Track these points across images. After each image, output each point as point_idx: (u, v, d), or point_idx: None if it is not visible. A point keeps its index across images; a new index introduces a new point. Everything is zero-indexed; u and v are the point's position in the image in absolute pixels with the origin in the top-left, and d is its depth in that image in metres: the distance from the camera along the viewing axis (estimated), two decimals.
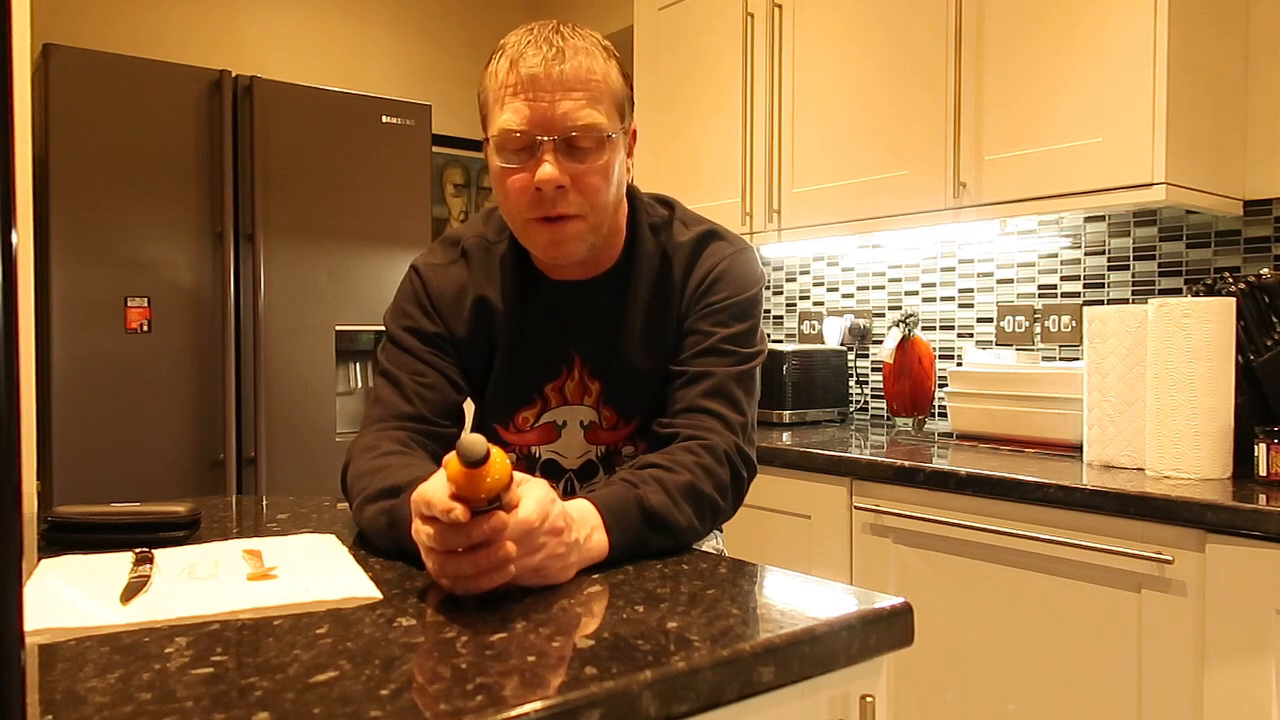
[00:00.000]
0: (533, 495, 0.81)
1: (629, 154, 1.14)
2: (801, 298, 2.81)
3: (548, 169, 1.02)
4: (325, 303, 2.70)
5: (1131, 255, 2.10)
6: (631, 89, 1.13)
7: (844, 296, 2.70)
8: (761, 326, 1.18)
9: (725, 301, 1.14)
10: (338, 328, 2.71)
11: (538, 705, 0.56)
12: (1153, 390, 1.55)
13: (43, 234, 2.33)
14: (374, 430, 1.10)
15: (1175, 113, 1.73)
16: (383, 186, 2.77)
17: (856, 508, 1.84)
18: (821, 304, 2.76)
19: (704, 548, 1.31)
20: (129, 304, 2.42)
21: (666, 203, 1.23)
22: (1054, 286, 2.23)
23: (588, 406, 1.18)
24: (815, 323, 2.77)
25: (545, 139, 1.03)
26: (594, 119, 1.03)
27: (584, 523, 0.89)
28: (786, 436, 2.15)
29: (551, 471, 1.22)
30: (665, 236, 1.18)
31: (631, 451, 1.19)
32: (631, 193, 1.20)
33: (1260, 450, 1.47)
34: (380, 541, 0.96)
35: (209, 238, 2.54)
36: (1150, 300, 1.57)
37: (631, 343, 1.14)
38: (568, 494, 1.18)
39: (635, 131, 1.16)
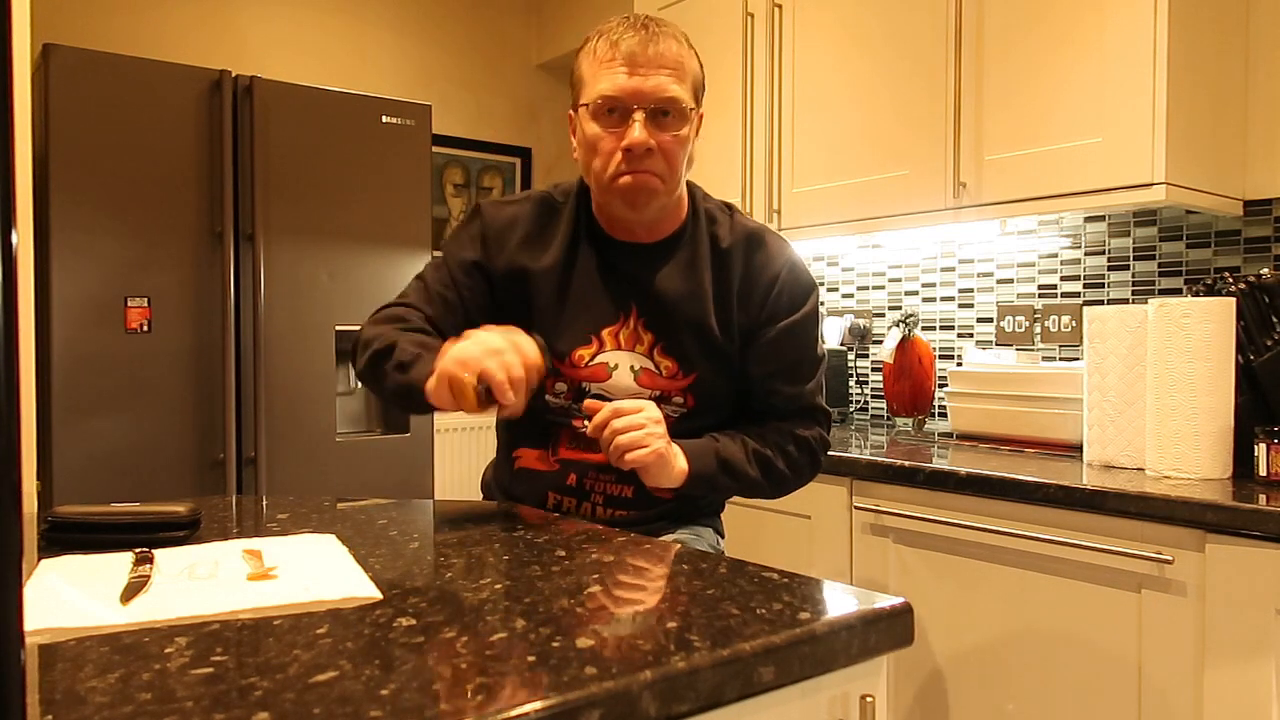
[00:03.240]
0: None
1: (696, 133, 1.28)
2: None
3: (639, 133, 1.19)
4: (325, 303, 2.70)
5: (1131, 255, 2.10)
6: (702, 75, 1.28)
7: (844, 296, 2.70)
8: (821, 329, 1.42)
9: (796, 313, 1.30)
10: (338, 328, 2.71)
11: (538, 705, 0.56)
12: (1153, 390, 1.55)
13: (43, 234, 2.33)
14: (398, 307, 1.29)
15: (1175, 113, 1.73)
16: (383, 186, 2.77)
17: (856, 508, 1.84)
18: (822, 304, 2.76)
19: (700, 543, 1.31)
20: (129, 304, 2.42)
21: (729, 205, 1.39)
22: (1054, 286, 2.23)
23: (640, 354, 1.29)
24: None
25: (638, 107, 1.19)
26: (679, 93, 1.21)
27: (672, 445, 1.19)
28: None
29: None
30: (725, 218, 1.33)
31: (680, 402, 1.30)
32: (690, 181, 1.36)
33: (1260, 450, 1.47)
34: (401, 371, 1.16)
35: (209, 238, 2.54)
36: (1150, 300, 1.57)
37: (696, 306, 1.27)
38: None
39: (702, 114, 1.29)
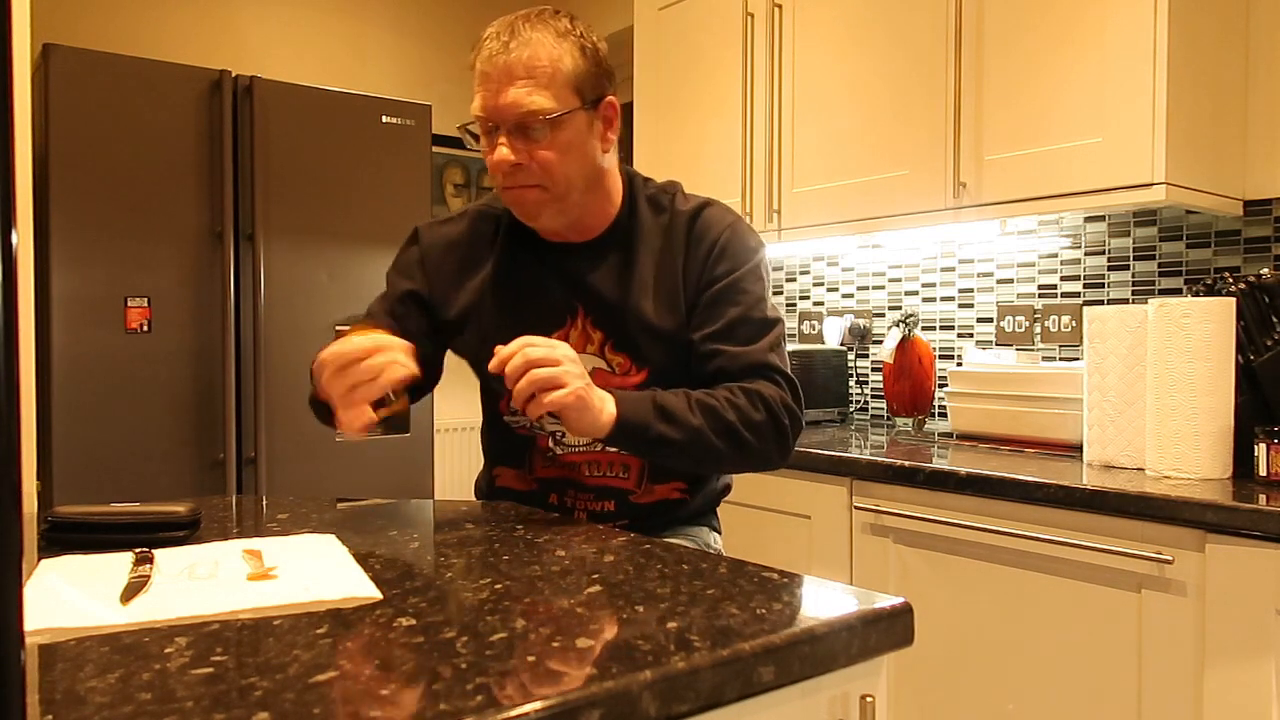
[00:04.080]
0: None
1: (608, 125, 1.23)
2: (801, 298, 2.81)
3: (501, 151, 1.16)
4: (325, 303, 2.70)
5: (1131, 255, 2.10)
6: (597, 63, 1.20)
7: (844, 296, 2.70)
8: (769, 292, 1.28)
9: (736, 268, 1.24)
10: (337, 328, 2.70)
11: (538, 705, 0.56)
12: (1153, 390, 1.55)
13: (43, 234, 2.33)
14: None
15: (1175, 113, 1.73)
16: (383, 186, 2.77)
17: (856, 508, 1.84)
18: (821, 304, 2.76)
19: (696, 545, 1.31)
20: (129, 304, 2.42)
21: (672, 184, 1.34)
22: (1054, 286, 2.23)
23: (591, 354, 1.26)
24: (815, 323, 2.77)
25: (499, 125, 1.16)
26: (540, 104, 1.14)
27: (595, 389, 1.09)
28: None
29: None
30: (666, 204, 1.29)
31: None
32: (629, 169, 1.31)
33: (1260, 450, 1.47)
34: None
35: (209, 238, 2.54)
36: (1150, 300, 1.57)
37: (639, 297, 1.24)
38: (593, 441, 1.27)
39: (613, 103, 1.23)
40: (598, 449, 1.27)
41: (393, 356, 1.04)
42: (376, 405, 1.04)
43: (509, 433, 1.31)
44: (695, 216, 1.27)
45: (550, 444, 1.29)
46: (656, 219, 1.28)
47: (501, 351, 1.05)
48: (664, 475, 1.29)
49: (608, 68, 1.22)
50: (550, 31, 1.16)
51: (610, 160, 1.26)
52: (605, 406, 1.09)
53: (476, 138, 1.22)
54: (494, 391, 1.32)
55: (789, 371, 1.23)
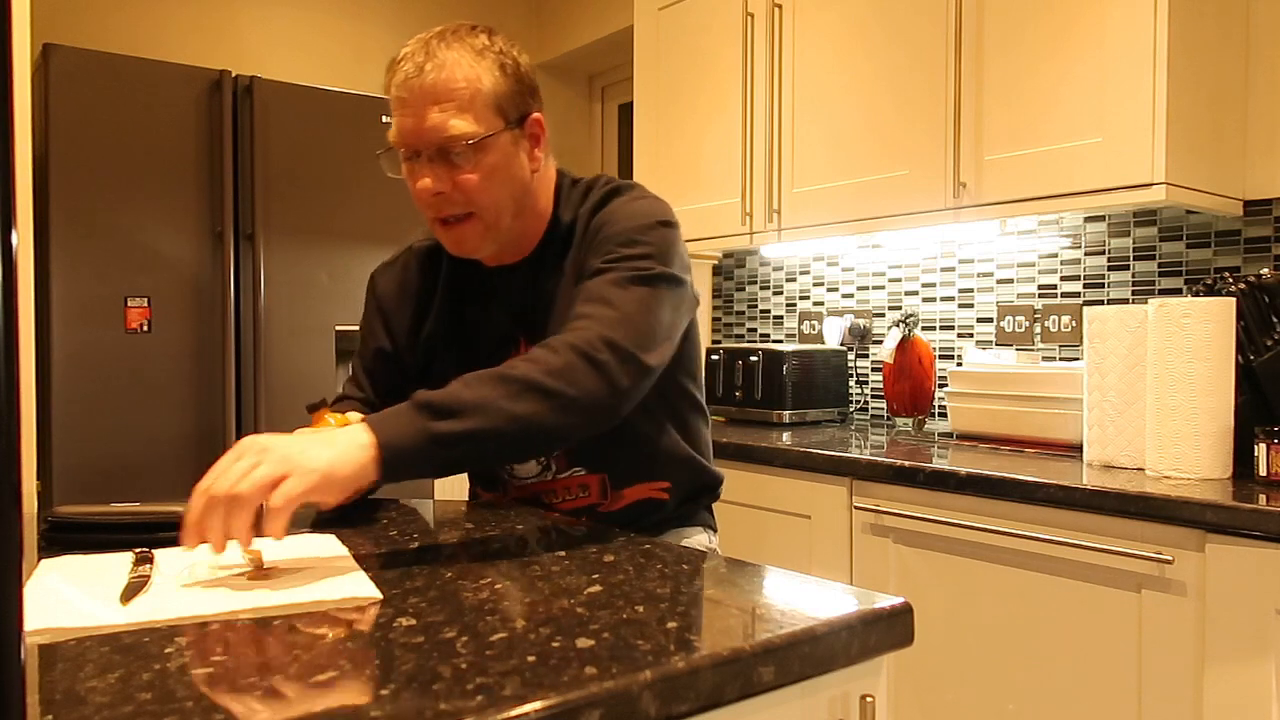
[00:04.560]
0: None
1: (535, 143, 1.18)
2: (801, 298, 2.81)
3: (424, 180, 1.11)
4: (325, 303, 2.70)
5: (1131, 255, 2.10)
6: (518, 79, 1.14)
7: (844, 296, 2.70)
8: (668, 255, 1.12)
9: (610, 234, 1.14)
10: (338, 328, 2.71)
11: (538, 705, 0.56)
12: (1153, 390, 1.55)
13: (43, 234, 2.33)
14: (342, 399, 1.29)
15: (1175, 113, 1.73)
16: (383, 186, 2.77)
17: (856, 508, 1.84)
18: (821, 304, 2.76)
19: (691, 544, 1.31)
20: (129, 304, 2.42)
21: (596, 180, 1.25)
22: (1054, 286, 2.23)
23: None
24: (815, 323, 2.77)
25: (420, 151, 1.10)
26: (458, 129, 1.09)
27: (319, 434, 0.90)
28: (786, 436, 2.15)
29: None
30: (580, 206, 1.22)
31: None
32: (561, 173, 1.25)
33: (1260, 450, 1.47)
34: None
35: (209, 238, 2.54)
36: (1150, 300, 1.57)
37: (555, 316, 1.18)
38: (544, 469, 1.25)
39: (539, 120, 1.18)
40: (549, 478, 1.25)
41: None
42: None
43: None
44: (593, 213, 1.19)
45: (505, 475, 1.29)
46: (573, 224, 1.22)
47: (187, 519, 0.82)
48: (628, 478, 1.25)
49: (531, 84, 1.17)
50: (467, 50, 1.11)
51: (542, 177, 1.21)
52: (349, 449, 0.87)
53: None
54: None
55: (627, 306, 1.05)
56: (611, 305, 1.05)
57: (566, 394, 0.97)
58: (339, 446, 0.87)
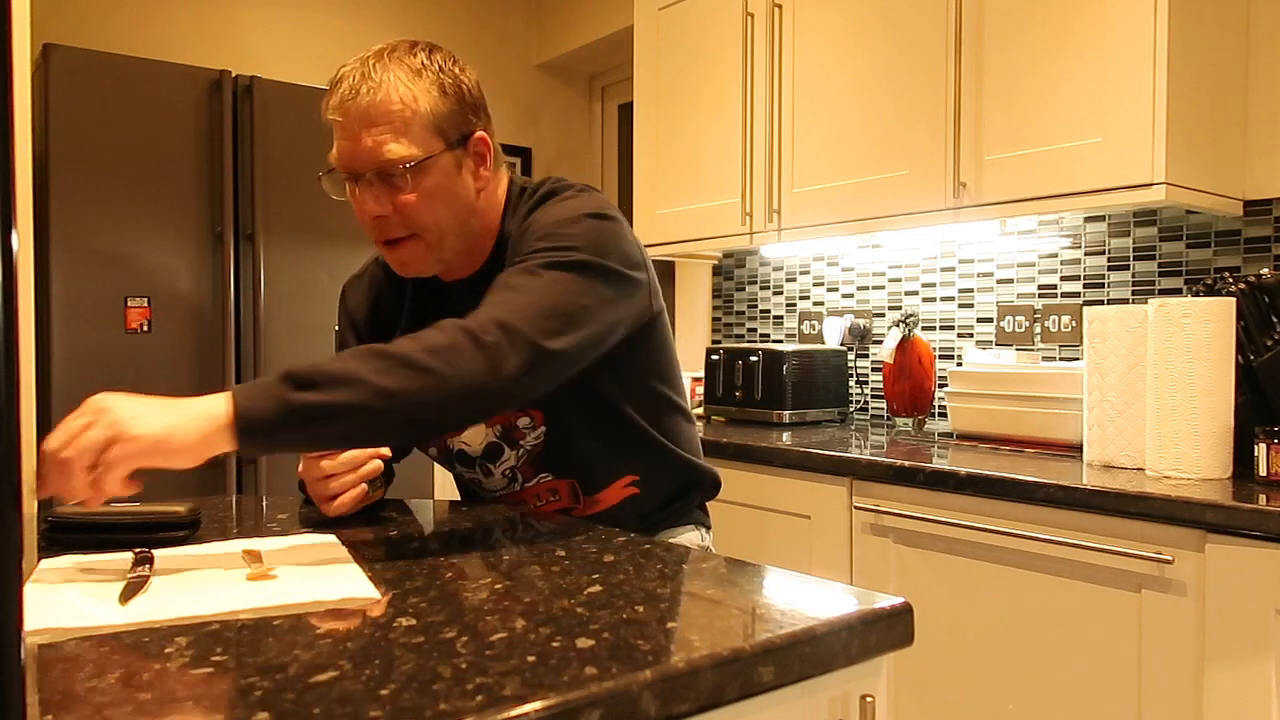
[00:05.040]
0: None
1: (480, 162, 1.15)
2: (801, 298, 2.81)
3: (365, 203, 1.10)
4: (325, 303, 2.70)
5: (1131, 255, 2.10)
6: (458, 99, 1.11)
7: (844, 296, 2.70)
8: (598, 245, 1.08)
9: (534, 232, 1.10)
10: (337, 328, 2.71)
11: (538, 705, 0.56)
12: (1153, 390, 1.55)
13: (43, 234, 2.33)
14: None
15: (1175, 113, 1.73)
16: None
17: (856, 508, 1.84)
18: (821, 304, 2.76)
19: (683, 541, 1.30)
20: (129, 304, 2.42)
21: (540, 185, 1.21)
22: (1054, 286, 2.23)
23: None
24: (815, 323, 2.77)
25: (360, 174, 1.09)
26: (395, 152, 1.07)
27: (168, 400, 0.89)
28: (786, 436, 2.15)
29: (464, 461, 1.27)
30: (525, 208, 1.18)
31: (528, 422, 1.18)
32: (512, 185, 1.22)
33: (1260, 450, 1.47)
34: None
35: (209, 238, 2.54)
36: (1150, 300, 1.57)
37: None
38: (510, 480, 1.25)
39: (484, 139, 1.15)
40: (516, 488, 1.25)
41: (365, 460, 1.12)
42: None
43: (455, 472, 1.33)
44: (526, 218, 1.16)
45: (475, 488, 1.30)
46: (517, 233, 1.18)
47: (35, 474, 0.84)
48: (599, 482, 1.23)
49: (473, 101, 1.14)
50: (404, 70, 1.08)
51: (490, 193, 1.18)
52: (197, 417, 0.86)
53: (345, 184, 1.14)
54: (420, 445, 1.31)
55: (531, 292, 1.01)
56: (515, 290, 1.02)
57: (441, 372, 0.93)
58: (185, 413, 0.86)
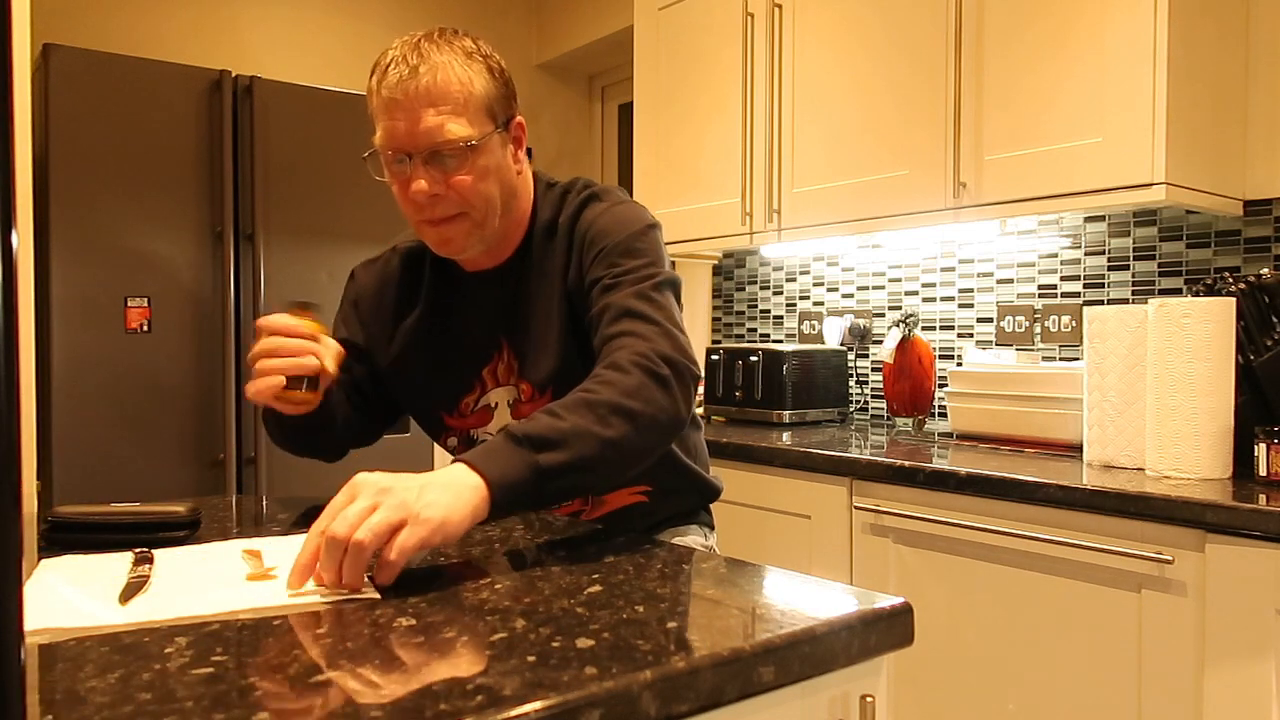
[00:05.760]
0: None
1: (519, 145, 1.20)
2: (801, 298, 2.81)
3: (419, 183, 1.10)
4: (325, 302, 2.70)
5: (1131, 255, 2.10)
6: (505, 83, 1.17)
7: (844, 296, 2.70)
8: (663, 258, 1.17)
9: (608, 245, 1.15)
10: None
11: (538, 705, 0.56)
12: (1153, 390, 1.55)
13: (43, 234, 2.33)
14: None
15: (1175, 113, 1.73)
16: (383, 187, 2.77)
17: (856, 508, 1.84)
18: (821, 304, 2.76)
19: (686, 542, 1.31)
20: (129, 304, 2.42)
21: (573, 184, 1.26)
22: (1054, 286, 2.23)
23: (510, 385, 1.23)
24: (815, 323, 2.77)
25: (414, 154, 1.10)
26: (455, 132, 1.09)
27: (430, 477, 0.86)
28: (786, 436, 2.15)
29: None
30: (559, 210, 1.23)
31: None
32: (538, 175, 1.26)
33: (1260, 450, 1.47)
34: None
35: (209, 237, 2.54)
36: (1150, 300, 1.57)
37: (537, 318, 1.20)
38: None
39: (521, 123, 1.20)
40: None
41: (318, 349, 1.09)
42: (291, 385, 1.09)
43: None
44: (575, 218, 1.20)
45: None
46: (550, 228, 1.22)
47: (299, 561, 0.81)
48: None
49: (513, 88, 1.19)
50: (458, 53, 1.12)
51: (524, 179, 1.22)
52: (462, 492, 0.86)
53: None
54: (435, 434, 1.32)
55: (665, 321, 1.08)
56: (647, 320, 1.07)
57: (644, 413, 0.98)
58: (450, 490, 0.85)
